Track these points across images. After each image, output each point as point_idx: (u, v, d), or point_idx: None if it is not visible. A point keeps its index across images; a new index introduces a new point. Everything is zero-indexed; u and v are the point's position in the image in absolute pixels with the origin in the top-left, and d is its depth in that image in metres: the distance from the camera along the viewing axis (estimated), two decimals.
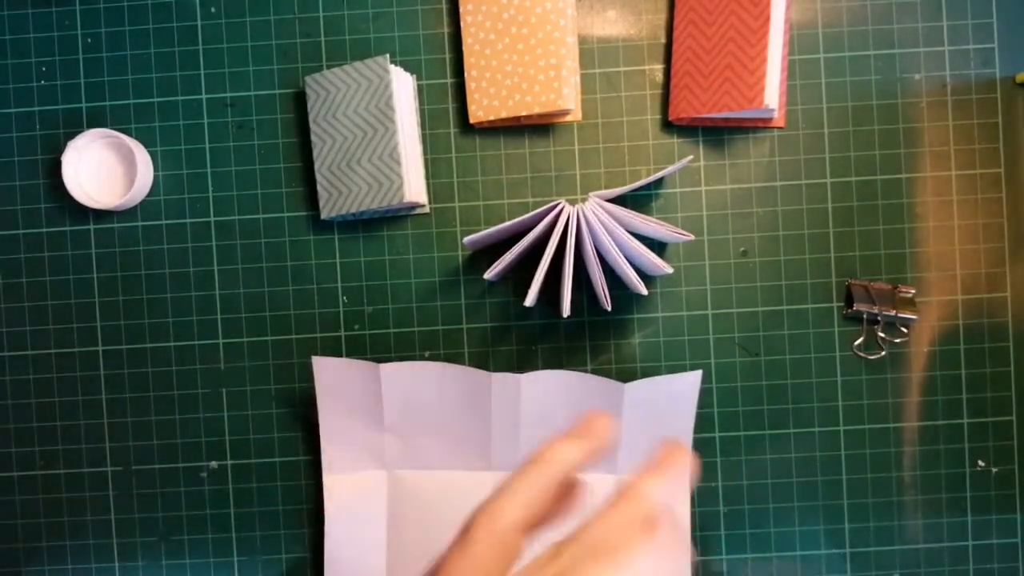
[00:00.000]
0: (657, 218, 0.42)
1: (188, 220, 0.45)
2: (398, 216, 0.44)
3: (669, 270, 0.38)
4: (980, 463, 0.44)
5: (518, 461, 0.43)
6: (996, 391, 0.44)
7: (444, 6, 0.44)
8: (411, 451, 0.43)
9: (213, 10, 0.44)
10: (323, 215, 0.43)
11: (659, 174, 0.40)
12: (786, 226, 0.44)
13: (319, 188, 0.43)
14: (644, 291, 0.38)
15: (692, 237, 0.39)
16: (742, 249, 0.44)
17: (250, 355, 0.45)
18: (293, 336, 0.45)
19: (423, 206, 0.44)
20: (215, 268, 0.45)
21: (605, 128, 0.44)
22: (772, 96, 0.39)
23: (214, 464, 0.45)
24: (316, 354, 0.44)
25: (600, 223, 0.37)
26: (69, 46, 0.45)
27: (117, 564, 0.45)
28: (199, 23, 0.44)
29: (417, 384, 0.42)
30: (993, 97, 0.43)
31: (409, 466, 0.43)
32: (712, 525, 0.44)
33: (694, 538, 0.44)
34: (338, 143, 0.41)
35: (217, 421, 0.45)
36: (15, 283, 0.45)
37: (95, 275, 0.44)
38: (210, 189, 0.44)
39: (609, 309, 0.40)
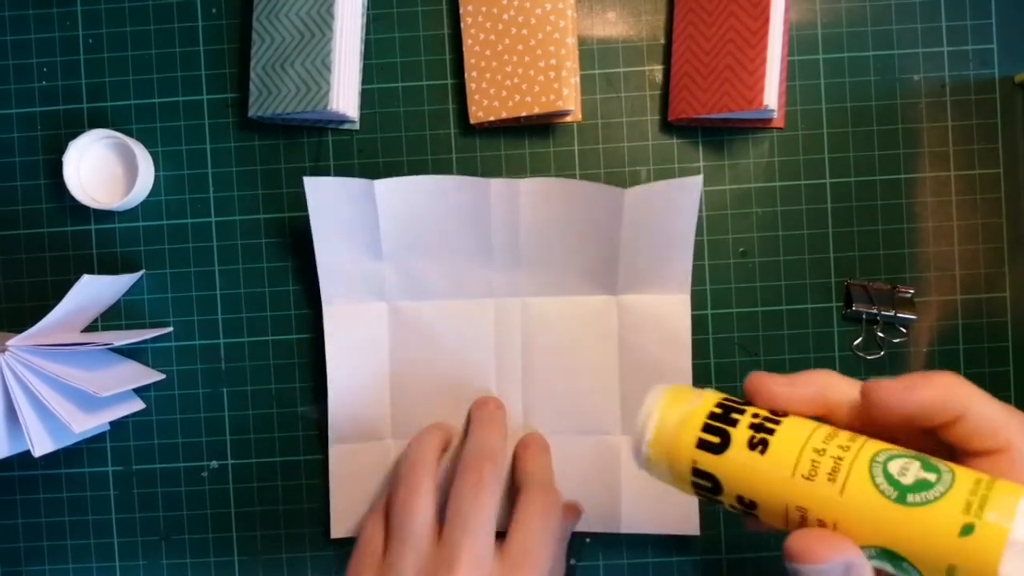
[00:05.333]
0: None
1: (189, 220, 0.45)
2: None
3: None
4: None
5: (518, 282, 0.43)
6: (995, 391, 0.43)
7: (444, 7, 0.44)
8: (411, 280, 0.43)
9: (214, 11, 0.44)
10: (250, 113, 0.43)
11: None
12: (785, 226, 0.44)
13: (251, 86, 0.43)
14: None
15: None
16: (741, 249, 0.44)
17: (251, 355, 0.45)
18: (294, 336, 0.45)
19: (353, 121, 0.44)
20: (216, 268, 0.45)
21: (605, 129, 0.44)
22: (771, 97, 0.39)
23: (215, 464, 0.45)
24: (316, 356, 0.45)
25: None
26: (70, 47, 0.45)
27: (118, 563, 0.45)
28: (200, 24, 0.45)
29: (413, 200, 0.41)
30: (992, 97, 0.43)
31: (409, 297, 0.43)
32: (712, 524, 0.44)
33: (693, 537, 0.44)
34: (276, 42, 0.42)
35: (218, 421, 0.45)
36: (16, 283, 0.45)
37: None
38: (211, 189, 0.45)
39: None
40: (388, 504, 0.37)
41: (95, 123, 0.44)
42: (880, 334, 0.43)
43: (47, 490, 0.45)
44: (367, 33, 0.44)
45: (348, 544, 0.45)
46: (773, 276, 0.44)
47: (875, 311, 0.43)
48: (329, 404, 0.43)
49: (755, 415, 0.28)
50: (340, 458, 0.44)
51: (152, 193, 0.45)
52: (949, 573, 0.23)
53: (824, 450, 0.25)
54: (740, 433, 0.27)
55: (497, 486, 0.37)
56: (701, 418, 0.28)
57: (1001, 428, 0.25)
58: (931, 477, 0.24)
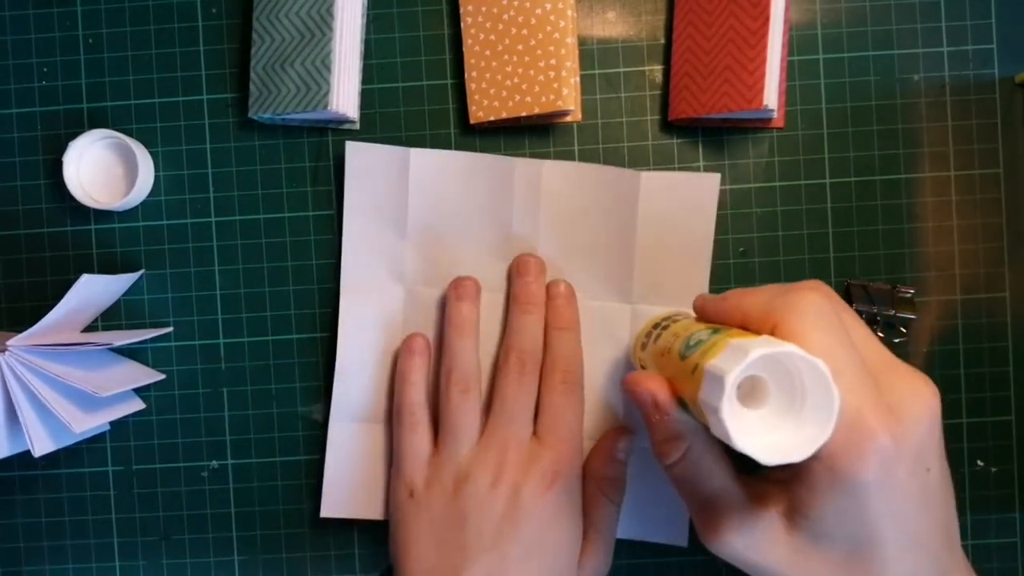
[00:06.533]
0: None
1: (189, 220, 0.45)
2: None
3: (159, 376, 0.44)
4: (979, 463, 0.44)
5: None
6: (995, 391, 0.44)
7: (444, 7, 0.44)
8: (429, 266, 0.43)
9: (214, 11, 0.44)
10: (250, 113, 0.43)
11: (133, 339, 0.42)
12: (785, 226, 0.44)
13: (251, 86, 0.43)
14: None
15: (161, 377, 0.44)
16: (741, 249, 0.44)
17: (250, 355, 0.45)
18: (294, 336, 0.45)
19: (353, 122, 0.44)
20: (216, 268, 0.45)
21: (605, 129, 0.44)
22: (771, 97, 0.39)
23: (215, 464, 0.45)
24: (316, 355, 0.45)
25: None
26: (70, 47, 0.45)
27: (118, 563, 0.45)
28: (200, 24, 0.45)
29: (444, 173, 0.42)
30: (992, 97, 0.43)
31: (426, 283, 0.44)
32: None
33: (692, 538, 0.44)
34: (276, 43, 0.42)
35: (218, 421, 0.45)
36: (16, 283, 0.45)
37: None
38: (211, 189, 0.45)
39: None
40: (442, 413, 0.41)
41: (95, 123, 0.44)
42: (880, 334, 0.43)
43: (47, 490, 0.45)
44: (367, 33, 0.44)
45: (346, 545, 0.45)
46: (773, 276, 0.44)
47: (875, 311, 0.43)
48: (335, 379, 0.44)
49: (674, 320, 0.36)
50: (339, 436, 0.44)
51: (152, 193, 0.45)
52: (692, 403, 0.29)
53: (677, 333, 0.33)
54: (655, 333, 0.36)
55: (536, 375, 0.41)
56: (648, 328, 0.38)
57: (767, 315, 0.29)
58: (705, 338, 0.30)
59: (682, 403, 0.31)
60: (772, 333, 0.29)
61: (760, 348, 0.26)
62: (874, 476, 0.27)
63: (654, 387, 0.31)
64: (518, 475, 0.39)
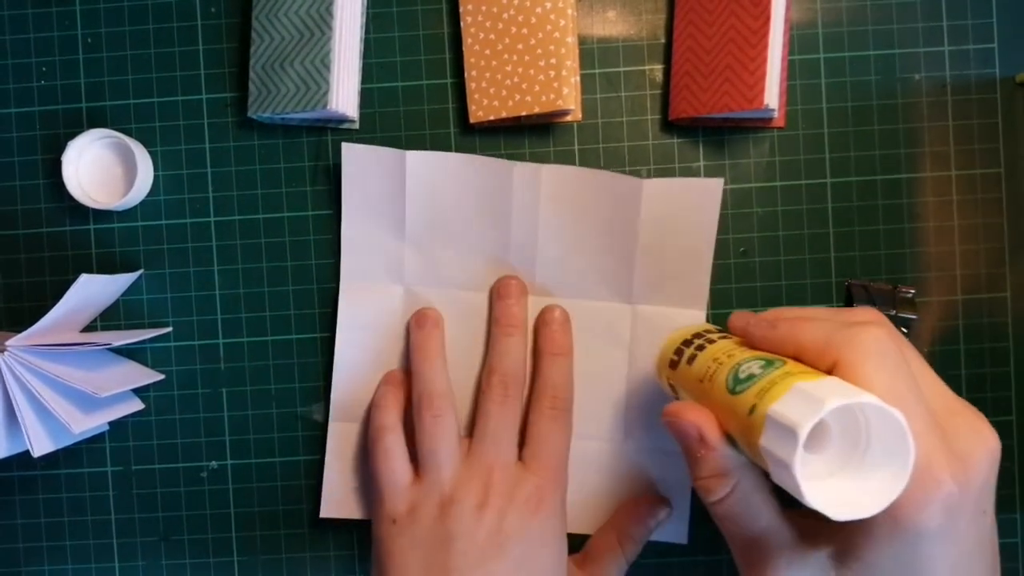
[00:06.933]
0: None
1: (188, 220, 0.45)
2: None
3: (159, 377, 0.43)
4: None
5: (533, 281, 0.43)
6: (996, 391, 0.44)
7: (444, 6, 0.44)
8: (428, 266, 0.43)
9: (213, 10, 0.44)
10: (249, 113, 0.43)
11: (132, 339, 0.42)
12: (786, 226, 0.44)
13: (250, 85, 0.43)
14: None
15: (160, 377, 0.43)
16: (742, 249, 0.44)
17: (250, 355, 0.45)
18: (294, 336, 0.45)
19: (353, 121, 0.44)
20: (215, 268, 0.45)
21: (605, 128, 0.44)
22: (772, 96, 0.39)
23: (214, 464, 0.45)
24: (316, 355, 0.44)
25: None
26: (69, 46, 0.45)
27: (117, 564, 0.45)
28: (199, 23, 0.44)
29: (441, 176, 0.42)
30: (993, 97, 0.43)
31: (424, 284, 0.44)
32: (713, 524, 0.44)
33: (693, 537, 0.44)
34: (276, 42, 0.42)
35: (217, 421, 0.45)
36: (15, 283, 0.45)
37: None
38: (210, 189, 0.45)
39: None
40: (418, 439, 0.40)
41: (94, 123, 0.44)
42: None
43: (46, 490, 0.45)
44: (366, 32, 0.44)
45: (346, 546, 0.45)
46: (774, 276, 0.44)
47: None
48: (333, 380, 0.44)
49: (708, 339, 0.34)
50: (338, 436, 0.44)
51: (151, 193, 0.45)
52: (747, 444, 0.27)
53: (718, 359, 0.31)
54: (688, 353, 0.34)
55: (520, 400, 0.41)
56: (676, 344, 0.35)
57: (827, 349, 0.28)
58: (758, 373, 0.28)
59: (728, 436, 0.29)
60: (831, 370, 0.28)
61: (836, 398, 0.24)
62: (937, 524, 0.26)
63: (700, 421, 0.30)
64: (503, 500, 0.38)
